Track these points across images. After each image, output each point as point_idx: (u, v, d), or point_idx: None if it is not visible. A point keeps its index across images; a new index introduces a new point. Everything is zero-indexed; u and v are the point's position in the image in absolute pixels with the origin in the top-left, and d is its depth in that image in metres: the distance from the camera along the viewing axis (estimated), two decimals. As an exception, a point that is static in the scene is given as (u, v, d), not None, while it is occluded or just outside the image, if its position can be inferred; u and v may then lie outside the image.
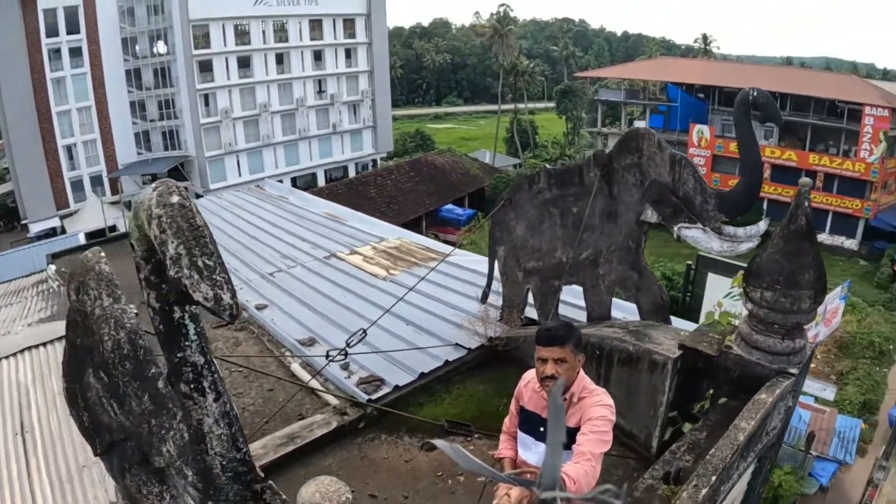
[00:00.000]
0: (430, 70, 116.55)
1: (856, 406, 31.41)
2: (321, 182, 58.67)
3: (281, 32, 55.10)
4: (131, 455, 3.88)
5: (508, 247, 8.89)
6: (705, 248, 6.96)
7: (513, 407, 4.24)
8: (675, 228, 7.02)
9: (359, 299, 10.34)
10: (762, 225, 6.79)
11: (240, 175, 53.31)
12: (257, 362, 8.40)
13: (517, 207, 8.62)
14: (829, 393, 28.49)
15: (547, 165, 10.00)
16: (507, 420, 4.31)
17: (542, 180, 8.26)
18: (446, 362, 8.26)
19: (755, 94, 6.56)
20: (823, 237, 54.23)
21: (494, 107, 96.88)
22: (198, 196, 48.46)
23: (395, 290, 10.66)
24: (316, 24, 57.04)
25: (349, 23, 59.68)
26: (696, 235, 6.90)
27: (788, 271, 5.82)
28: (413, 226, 53.36)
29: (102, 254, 3.40)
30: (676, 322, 8.79)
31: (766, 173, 55.15)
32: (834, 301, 24.70)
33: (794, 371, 6.20)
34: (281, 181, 55.69)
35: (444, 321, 9.37)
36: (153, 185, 2.90)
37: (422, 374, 7.94)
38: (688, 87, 61.48)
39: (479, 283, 10.24)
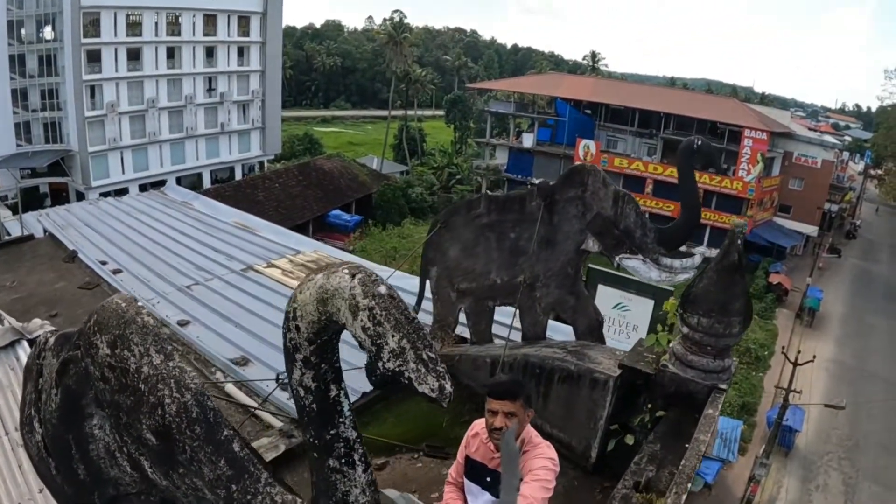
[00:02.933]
0: (319, 72, 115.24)
1: (735, 408, 33.58)
2: (207, 183, 56.94)
3: (174, 26, 53.16)
4: None
5: (441, 267, 9.05)
6: (644, 277, 7.40)
7: (459, 457, 4.29)
8: (617, 258, 7.45)
9: (282, 313, 10.22)
10: (697, 258, 7.33)
11: (123, 172, 51.03)
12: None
13: (452, 230, 8.81)
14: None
15: (488, 192, 10.22)
16: (452, 469, 4.38)
17: (482, 206, 8.50)
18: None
19: (699, 143, 7.14)
20: (702, 250, 57.06)
21: (382, 112, 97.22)
22: (80, 195, 46.16)
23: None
24: (210, 20, 55.38)
25: (244, 20, 58.37)
26: (635, 265, 7.37)
27: (722, 301, 6.38)
28: (300, 231, 52.20)
29: (140, 303, 3.27)
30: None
31: (649, 188, 58.05)
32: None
33: (724, 387, 6.76)
34: (165, 181, 53.95)
35: None
36: (343, 269, 2.88)
37: (364, 394, 7.96)
38: (576, 103, 63.74)
39: (406, 300, 10.31)
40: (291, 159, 68.56)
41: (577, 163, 8.07)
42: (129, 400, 3.14)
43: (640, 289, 21.99)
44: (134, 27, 50.17)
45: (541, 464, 3.86)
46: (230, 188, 51.06)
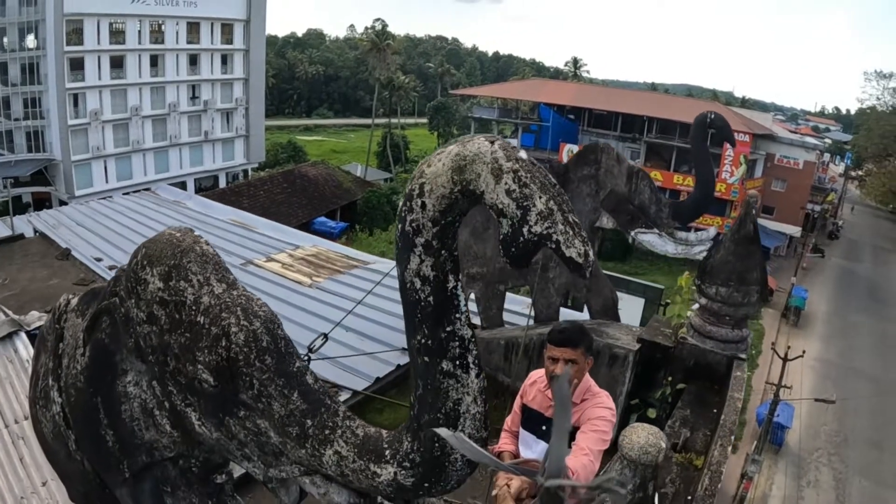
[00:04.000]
0: (302, 81, 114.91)
1: (725, 406, 33.65)
2: (191, 191, 56.23)
3: (157, 34, 52.64)
4: (181, 475, 3.50)
5: None
6: (661, 251, 7.42)
7: (516, 406, 4.26)
8: (632, 233, 7.46)
9: (288, 306, 10.13)
10: (712, 231, 7.38)
11: (107, 181, 50.28)
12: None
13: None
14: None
15: None
16: (508, 418, 4.31)
17: None
18: (398, 367, 8.25)
19: (713, 116, 7.18)
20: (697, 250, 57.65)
21: (365, 120, 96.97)
22: (63, 204, 45.57)
23: (322, 296, 10.53)
24: (194, 27, 54.92)
25: (227, 28, 57.93)
26: (651, 240, 7.39)
27: (740, 270, 6.49)
28: (287, 237, 52.57)
29: (197, 233, 3.13)
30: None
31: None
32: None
33: (743, 356, 6.81)
34: (149, 189, 53.48)
35: (386, 327, 9.36)
36: (480, 137, 2.70)
37: (377, 379, 7.90)
38: (559, 108, 64.04)
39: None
40: (275, 167, 68.17)
41: (590, 143, 8.00)
42: (183, 338, 2.94)
43: (631, 288, 22.11)
44: (117, 35, 49.67)
45: (599, 413, 3.85)
46: (215, 196, 50.24)
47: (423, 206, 2.81)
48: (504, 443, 4.24)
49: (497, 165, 2.61)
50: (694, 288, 6.85)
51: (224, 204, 48.07)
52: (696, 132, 7.23)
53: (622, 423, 7.32)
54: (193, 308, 2.94)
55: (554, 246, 2.56)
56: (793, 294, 48.92)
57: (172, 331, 2.99)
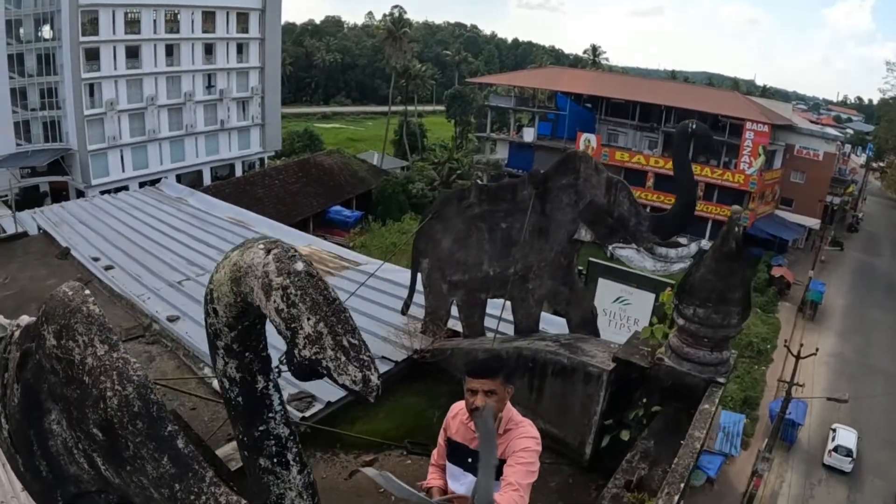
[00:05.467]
0: (319, 69, 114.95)
1: (737, 402, 33.42)
2: (207, 180, 56.71)
3: (172, 23, 52.79)
4: None
5: (433, 259, 8.90)
6: (639, 267, 7.22)
7: (441, 439, 4.23)
8: (610, 248, 7.27)
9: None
10: (693, 247, 7.13)
11: (123, 171, 50.77)
12: (173, 377, 8.02)
13: (444, 221, 8.65)
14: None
15: (478, 181, 9.97)
16: (435, 452, 4.30)
17: (472, 195, 8.33)
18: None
19: (694, 126, 6.91)
20: (704, 243, 56.60)
21: (382, 108, 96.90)
22: (80, 193, 45.95)
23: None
24: (209, 17, 55.05)
25: (243, 17, 58.01)
26: (629, 255, 7.18)
27: (720, 290, 6.19)
28: (301, 227, 52.32)
29: (87, 291, 3.08)
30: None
31: (650, 182, 57.90)
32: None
33: (722, 381, 6.58)
34: (166, 178, 53.67)
35: (368, 333, 9.25)
36: (259, 244, 2.58)
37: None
38: (576, 97, 63.57)
39: (398, 293, 10.17)
40: (291, 156, 68.41)
41: (569, 151, 7.77)
42: (75, 393, 2.96)
43: (641, 283, 21.79)
44: (132, 25, 49.83)
45: (524, 444, 3.78)
46: (229, 185, 50.95)
47: (216, 312, 2.78)
48: (432, 478, 4.22)
49: (267, 281, 2.48)
50: (673, 306, 6.65)
51: (238, 193, 49.05)
52: (679, 142, 6.99)
53: (596, 443, 7.22)
54: (80, 368, 2.93)
55: (325, 372, 2.44)
56: (810, 288, 48.33)
57: (68, 385, 3.00)
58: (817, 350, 30.44)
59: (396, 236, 48.09)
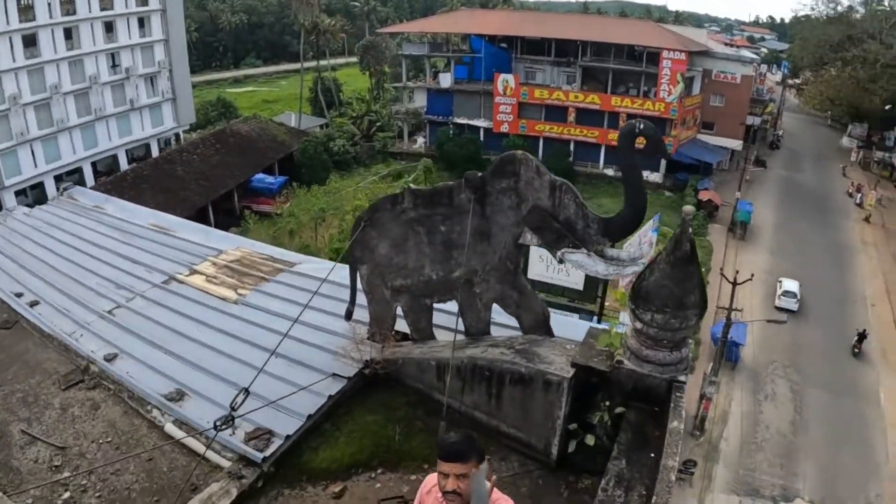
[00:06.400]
0: (226, 32, 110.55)
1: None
2: (123, 164, 54.57)
3: (68, 5, 49.37)
4: None
5: (371, 266, 8.61)
6: (591, 272, 7.08)
7: None
8: (559, 253, 7.10)
9: (214, 332, 9.55)
10: (646, 248, 7.03)
11: (35, 166, 48.20)
12: (122, 426, 7.66)
13: (378, 226, 8.33)
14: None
15: (411, 185, 9.60)
16: None
17: (406, 200, 8.02)
18: (329, 398, 7.94)
19: (641, 126, 6.68)
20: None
21: (295, 66, 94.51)
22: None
23: (248, 314, 10.03)
24: (106, -7, 52.00)
25: (141, -11, 55.14)
26: (580, 260, 7.01)
27: (677, 295, 6.13)
28: (227, 199, 51.72)
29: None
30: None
31: (571, 117, 58.30)
32: (647, 233, 26.66)
33: (683, 379, 6.58)
34: (81, 168, 51.50)
35: (313, 347, 8.98)
36: None
37: (309, 417, 7.59)
38: (491, 38, 63.01)
39: (338, 295, 9.83)
40: (207, 126, 66.43)
41: (507, 153, 7.43)
42: None
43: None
44: (26, 11, 46.44)
45: None
46: (148, 167, 49.13)
47: None
48: None
49: None
50: (629, 310, 6.60)
51: (158, 174, 47.36)
52: (624, 142, 6.71)
53: (561, 450, 7.21)
54: None
55: None
56: (738, 208, 49.73)
57: None
58: (752, 276, 31.45)
59: (324, 200, 47.36)
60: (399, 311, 8.77)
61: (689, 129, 59.60)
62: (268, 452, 7.07)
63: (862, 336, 36.67)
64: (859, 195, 57.84)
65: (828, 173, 65.30)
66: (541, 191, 7.07)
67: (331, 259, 35.22)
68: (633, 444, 6.18)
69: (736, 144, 61.88)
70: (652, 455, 6.04)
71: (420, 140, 67.63)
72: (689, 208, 6.18)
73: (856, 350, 36.50)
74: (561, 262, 7.20)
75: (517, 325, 8.28)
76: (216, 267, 11.89)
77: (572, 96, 58.50)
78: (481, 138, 61.62)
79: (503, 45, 63.11)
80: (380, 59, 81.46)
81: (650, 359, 6.55)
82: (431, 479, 4.14)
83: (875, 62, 66.79)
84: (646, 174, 58.03)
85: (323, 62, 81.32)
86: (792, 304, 38.79)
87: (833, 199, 58.07)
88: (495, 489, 3.91)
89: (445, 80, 63.87)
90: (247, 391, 6.71)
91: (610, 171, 58.61)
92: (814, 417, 30.74)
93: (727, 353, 31.48)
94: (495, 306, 8.23)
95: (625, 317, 33.32)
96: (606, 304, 26.80)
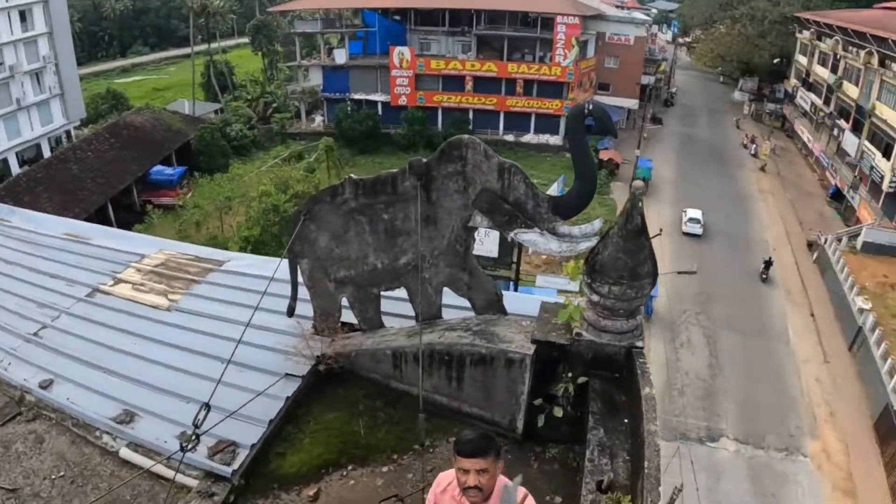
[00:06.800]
0: (110, 20, 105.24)
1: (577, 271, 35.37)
2: (15, 168, 51.52)
3: (-59, 2, 46.12)
4: None
5: (312, 259, 8.40)
6: (544, 250, 7.12)
7: None
8: (512, 234, 7.13)
9: (151, 344, 9.09)
10: (597, 223, 7.10)
11: (-81, 179, 44.93)
12: (73, 457, 7.22)
13: (317, 220, 8.13)
14: (574, 285, 31.51)
15: (352, 175, 9.26)
16: None
17: (346, 191, 7.83)
18: (287, 399, 7.73)
19: (591, 107, 6.80)
20: (529, 137, 59.46)
21: (184, 51, 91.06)
22: None
23: (185, 321, 9.56)
24: (-19, -13, 48.48)
25: (19, -19, 51.55)
26: (533, 239, 7.07)
27: (631, 267, 6.32)
28: (125, 195, 49.75)
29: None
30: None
31: (469, 86, 58.60)
32: (555, 194, 27.25)
33: (640, 344, 6.79)
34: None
35: (259, 348, 8.67)
36: None
37: (270, 422, 7.37)
38: (384, 11, 62.59)
39: (278, 292, 9.52)
40: (98, 121, 63.52)
41: (454, 137, 7.35)
42: None
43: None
44: None
45: None
46: (41, 169, 46.53)
47: None
48: None
49: None
50: (584, 283, 6.73)
51: (53, 175, 44.89)
52: (573, 123, 6.86)
53: (527, 419, 7.28)
54: None
55: None
56: (639, 166, 51.26)
57: None
58: (661, 231, 32.48)
59: (228, 188, 46.23)
60: (345, 302, 8.62)
61: (585, 92, 60.89)
62: (236, 465, 6.81)
63: (768, 263, 38.85)
64: (754, 146, 60.73)
65: (722, 127, 68.17)
66: (489, 174, 7.06)
67: (240, 249, 34.84)
68: (606, 413, 6.37)
69: (632, 104, 63.66)
70: (626, 421, 6.23)
71: (318, 119, 66.63)
72: (638, 183, 6.41)
73: (763, 276, 38.67)
74: (512, 242, 7.22)
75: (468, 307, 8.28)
76: (141, 273, 11.32)
77: (469, 65, 58.82)
78: (379, 113, 61.16)
79: (396, 17, 62.69)
80: (272, 39, 79.35)
81: (608, 328, 6.73)
82: (444, 478, 4.18)
83: (763, 19, 70.11)
84: (546, 137, 59.35)
85: (213, 45, 78.65)
86: (697, 229, 43.66)
87: (729, 151, 60.70)
88: (504, 480, 3.96)
89: (340, 57, 63.04)
90: (208, 406, 6.42)
91: (510, 137, 59.54)
92: (729, 359, 32.35)
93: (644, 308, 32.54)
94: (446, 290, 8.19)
95: (542, 280, 34.22)
96: (522, 268, 27.24)
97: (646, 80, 66.95)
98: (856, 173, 50.84)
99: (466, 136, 7.19)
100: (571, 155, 7.01)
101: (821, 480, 26.64)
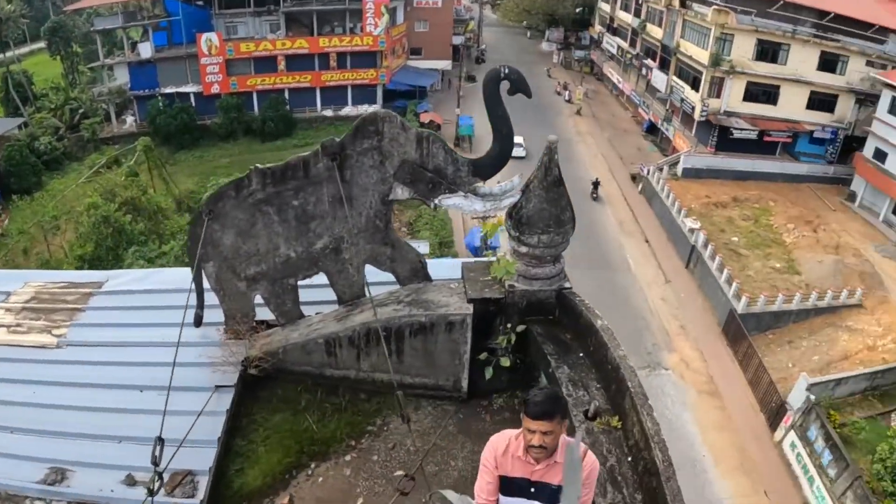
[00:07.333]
0: None
1: (435, 247, 35.96)
2: None
3: None
4: None
5: (219, 261, 7.91)
6: (470, 211, 7.21)
7: (490, 478, 4.21)
8: (436, 201, 7.15)
9: (48, 388, 8.17)
10: (516, 179, 7.25)
11: None
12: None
13: (220, 218, 7.65)
14: (423, 247, 31.97)
15: (258, 165, 8.61)
16: (481, 492, 4.26)
17: (253, 182, 7.40)
18: (227, 412, 7.33)
19: (507, 70, 6.90)
20: (349, 110, 59.15)
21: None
22: None
23: (82, 354, 8.63)
24: None
25: None
26: (457, 202, 7.14)
27: (556, 215, 6.71)
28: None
29: None
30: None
31: (282, 65, 57.13)
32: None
33: (568, 285, 7.13)
34: None
35: (182, 367, 7.96)
36: None
37: (218, 440, 6.96)
38: (185, -2, 58.99)
39: (176, 303, 8.96)
40: None
41: (368, 112, 7.18)
42: None
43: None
44: None
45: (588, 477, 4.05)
46: None
47: None
48: None
49: None
50: (512, 237, 6.97)
51: None
52: (490, 86, 6.96)
53: (471, 377, 7.42)
54: None
55: None
56: (460, 124, 52.58)
57: None
58: (499, 182, 33.58)
59: (51, 206, 42.68)
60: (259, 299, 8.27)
61: (399, 58, 61.23)
62: (201, 495, 6.35)
63: (596, 184, 41.36)
64: (567, 92, 63.79)
65: (534, 77, 70.65)
66: (407, 145, 7.00)
67: (77, 268, 32.22)
68: (561, 352, 6.63)
69: (445, 65, 64.71)
70: (581, 355, 6.53)
71: (130, 119, 61.96)
72: (553, 137, 6.66)
73: (594, 196, 41.12)
74: (435, 209, 7.27)
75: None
76: (13, 313, 10.14)
77: (279, 44, 57.18)
78: (193, 104, 58.10)
79: (199, 2, 59.37)
80: (70, 40, 72.80)
81: (538, 276, 7.03)
82: (499, 440, 4.20)
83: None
84: (365, 108, 59.14)
85: (8, 54, 71.08)
86: (520, 152, 45.35)
87: (544, 99, 63.19)
88: (565, 438, 4.08)
89: (145, 51, 58.71)
90: (161, 440, 5.93)
91: (329, 113, 58.83)
92: (580, 292, 34.10)
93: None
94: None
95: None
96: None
97: (457, 40, 68.21)
98: (667, 107, 55.05)
99: (382, 111, 7.11)
100: (489, 116, 7.11)
101: (685, 388, 29.02)
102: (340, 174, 7.12)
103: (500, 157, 7.15)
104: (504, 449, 4.15)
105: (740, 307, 33.05)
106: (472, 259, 8.24)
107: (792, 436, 27.66)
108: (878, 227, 42.32)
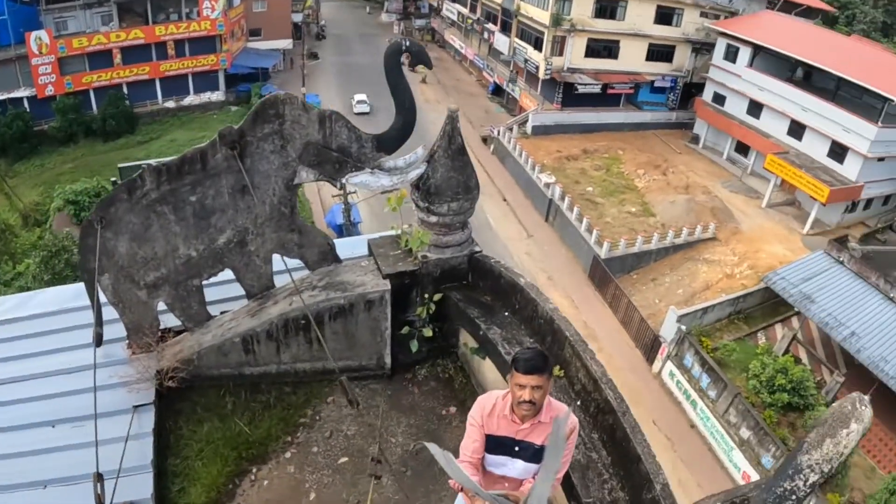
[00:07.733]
0: None
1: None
2: None
3: None
4: None
5: (114, 271, 7.37)
6: (377, 187, 7.14)
7: (476, 436, 4.26)
8: (344, 180, 7.04)
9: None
10: (420, 151, 7.22)
11: None
12: None
13: (114, 224, 7.12)
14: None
15: (150, 163, 7.94)
16: (467, 450, 4.29)
17: (147, 182, 6.92)
18: (153, 432, 6.96)
19: (408, 42, 6.92)
20: (191, 99, 56.72)
21: None
22: None
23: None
24: None
25: None
26: (364, 180, 7.02)
27: (463, 181, 6.87)
28: None
29: None
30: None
31: (118, 59, 53.62)
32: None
33: (479, 248, 7.33)
34: None
35: (89, 392, 7.30)
36: None
37: (152, 462, 6.62)
38: (6, -6, 53.48)
39: (71, 324, 8.44)
40: None
41: (268, 96, 6.85)
42: None
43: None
44: None
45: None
46: None
47: None
48: (470, 473, 4.20)
49: None
50: (421, 208, 7.04)
51: None
52: (391, 59, 6.87)
53: (394, 352, 7.48)
54: None
55: None
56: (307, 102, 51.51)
57: None
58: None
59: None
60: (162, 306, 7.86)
61: (238, 40, 59.09)
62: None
63: None
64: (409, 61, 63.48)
65: (376, 49, 69.71)
66: (309, 126, 6.78)
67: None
68: (485, 314, 6.80)
69: (286, 44, 63.05)
70: (506, 314, 6.73)
71: (-43, 134, 56.12)
72: (453, 106, 6.79)
73: None
74: (341, 188, 7.22)
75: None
76: None
77: (114, 37, 53.21)
78: (28, 110, 53.37)
79: (26, -1, 54.19)
80: None
81: (450, 243, 7.16)
82: (487, 400, 4.25)
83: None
84: (208, 95, 56.87)
85: None
86: (365, 108, 51.50)
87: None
88: (551, 399, 4.25)
89: (-42, 60, 53.11)
90: (101, 475, 5.57)
91: (171, 104, 56.02)
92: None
93: (349, 232, 33.30)
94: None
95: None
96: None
97: (296, 18, 66.49)
98: (511, 68, 56.20)
99: (282, 93, 6.82)
100: (391, 89, 7.04)
101: (561, 335, 30.27)
102: (240, 163, 6.86)
103: (403, 129, 7.10)
104: (491, 409, 4.21)
105: (603, 252, 34.80)
106: (377, 235, 8.22)
107: (669, 366, 29.65)
108: (723, 164, 45.85)
